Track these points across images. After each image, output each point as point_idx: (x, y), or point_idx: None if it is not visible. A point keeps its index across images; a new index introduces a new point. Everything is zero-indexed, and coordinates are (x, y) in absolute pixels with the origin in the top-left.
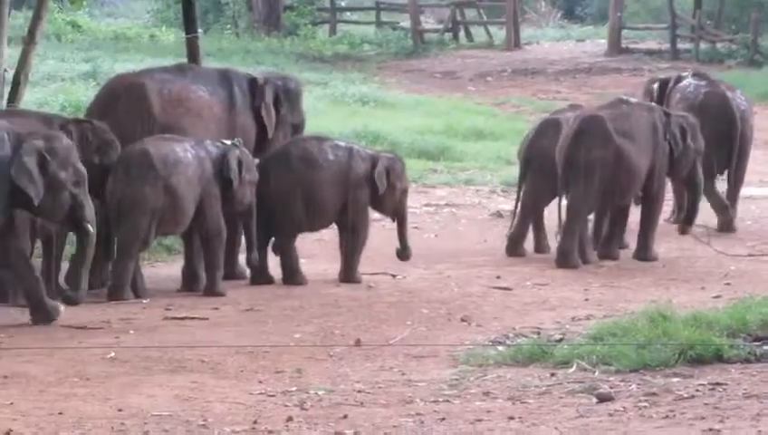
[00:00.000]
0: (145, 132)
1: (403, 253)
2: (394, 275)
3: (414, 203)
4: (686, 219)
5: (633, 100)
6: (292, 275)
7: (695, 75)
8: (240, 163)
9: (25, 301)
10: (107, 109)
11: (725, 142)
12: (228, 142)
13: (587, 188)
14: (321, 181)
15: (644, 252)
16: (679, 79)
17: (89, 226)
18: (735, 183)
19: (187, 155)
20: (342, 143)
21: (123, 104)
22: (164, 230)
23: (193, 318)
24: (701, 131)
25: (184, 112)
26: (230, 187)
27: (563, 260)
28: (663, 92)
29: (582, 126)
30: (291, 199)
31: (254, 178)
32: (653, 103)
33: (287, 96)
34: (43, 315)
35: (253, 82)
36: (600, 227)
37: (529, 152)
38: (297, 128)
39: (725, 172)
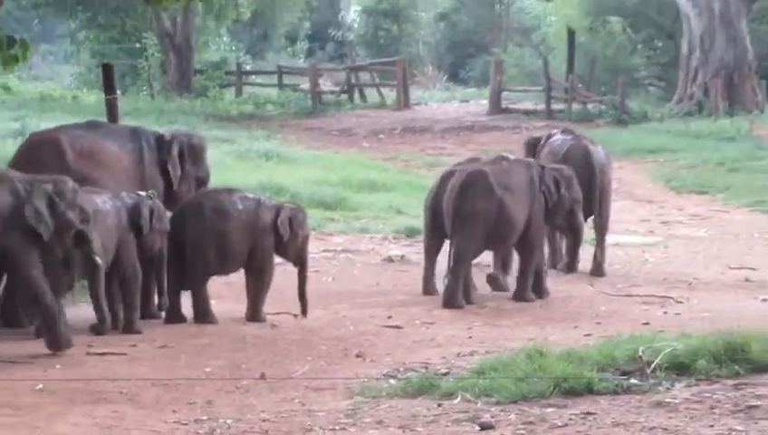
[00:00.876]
0: None
1: (302, 306)
2: (295, 315)
3: (313, 249)
4: (569, 265)
5: (512, 157)
6: (203, 315)
7: (563, 131)
8: (152, 213)
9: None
10: (27, 162)
11: (587, 191)
12: (143, 194)
13: (471, 235)
14: (230, 229)
15: (522, 293)
16: (550, 135)
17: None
18: (600, 229)
19: (105, 205)
20: (250, 195)
21: (40, 157)
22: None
23: (113, 354)
24: None
25: (95, 165)
26: (141, 234)
27: (449, 301)
28: (536, 148)
29: (468, 180)
30: (203, 245)
31: (165, 228)
32: (530, 159)
33: (191, 151)
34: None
35: (160, 138)
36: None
37: (434, 202)
38: (202, 181)
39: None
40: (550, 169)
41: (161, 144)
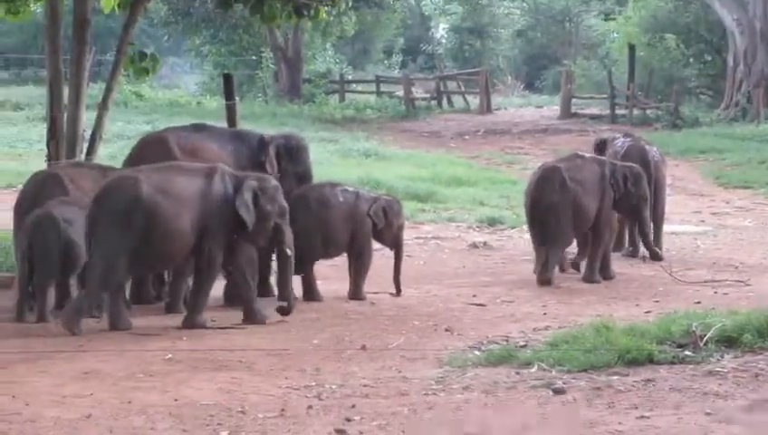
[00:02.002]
0: None
1: (396, 285)
2: (391, 294)
3: (407, 236)
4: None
5: (587, 155)
6: (311, 294)
7: (624, 135)
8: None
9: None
10: (140, 157)
11: None
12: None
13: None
14: (333, 218)
15: (591, 276)
16: (614, 138)
17: (287, 249)
18: (657, 219)
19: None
20: (350, 188)
21: (151, 154)
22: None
23: (233, 327)
24: None
25: (198, 161)
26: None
27: (541, 281)
28: (604, 148)
29: (544, 174)
30: (310, 233)
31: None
32: (602, 157)
33: (288, 151)
34: (258, 319)
35: (262, 139)
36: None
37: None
38: (302, 177)
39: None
40: (621, 167)
41: (262, 145)
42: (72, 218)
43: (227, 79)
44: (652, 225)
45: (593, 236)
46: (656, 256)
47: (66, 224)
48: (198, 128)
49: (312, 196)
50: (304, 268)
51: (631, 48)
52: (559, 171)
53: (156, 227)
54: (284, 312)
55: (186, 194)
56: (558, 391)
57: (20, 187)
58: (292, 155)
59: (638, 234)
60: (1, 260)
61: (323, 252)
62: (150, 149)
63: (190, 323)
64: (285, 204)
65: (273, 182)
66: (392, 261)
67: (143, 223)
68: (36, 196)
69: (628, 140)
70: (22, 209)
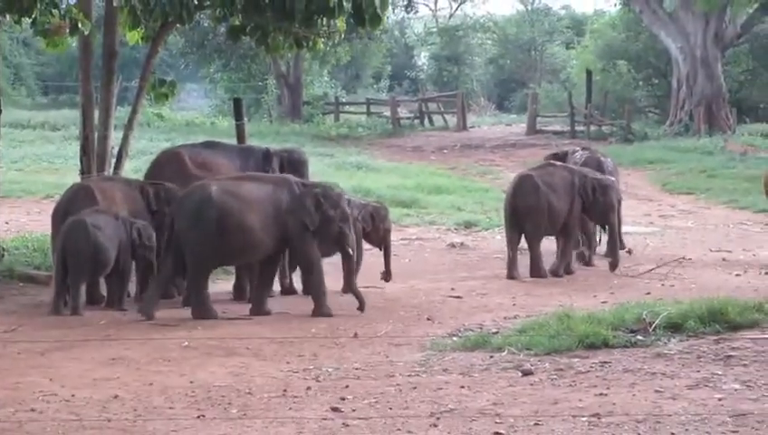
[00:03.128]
0: (184, 186)
1: (386, 274)
2: (380, 287)
3: (394, 238)
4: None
5: (558, 163)
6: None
7: (582, 148)
8: None
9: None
10: (158, 170)
11: None
12: None
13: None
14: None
15: (557, 270)
16: (574, 151)
17: (349, 249)
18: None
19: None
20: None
21: (167, 167)
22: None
23: (241, 318)
24: None
25: (209, 173)
26: None
27: (536, 271)
28: (563, 159)
29: (519, 181)
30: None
31: None
32: (574, 166)
33: (290, 163)
34: (323, 312)
35: (267, 153)
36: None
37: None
38: None
39: None
40: (591, 178)
41: (267, 157)
42: (102, 225)
43: (237, 102)
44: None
45: (564, 235)
46: (614, 263)
47: (96, 229)
48: (209, 144)
49: None
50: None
51: (588, 73)
52: (532, 178)
53: (226, 227)
54: (361, 309)
55: (253, 198)
56: (526, 373)
57: (57, 197)
58: (294, 167)
59: (607, 237)
60: (41, 261)
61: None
62: (166, 163)
63: (257, 311)
64: (347, 210)
65: (337, 190)
66: (380, 259)
67: (214, 222)
68: (69, 205)
69: (586, 152)
70: (57, 217)
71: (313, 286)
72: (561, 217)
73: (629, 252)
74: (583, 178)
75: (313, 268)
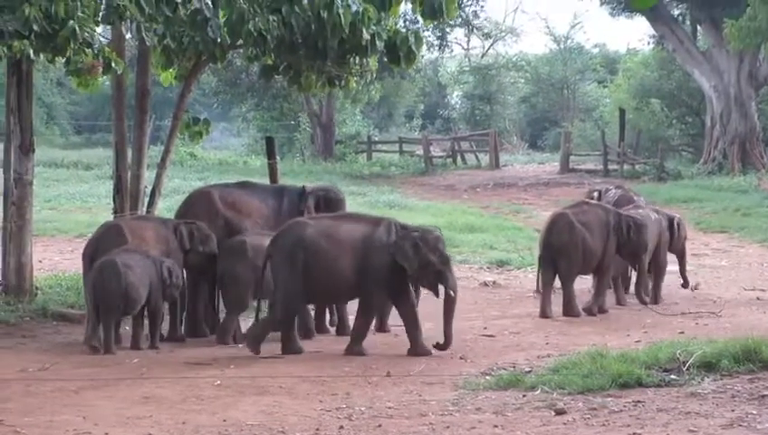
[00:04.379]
0: (213, 226)
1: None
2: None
3: None
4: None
5: (592, 202)
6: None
7: (615, 187)
8: None
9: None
10: (188, 209)
11: None
12: None
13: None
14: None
15: (593, 308)
16: (608, 189)
17: (451, 292)
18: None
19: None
20: None
21: (198, 206)
22: (254, 296)
23: (274, 357)
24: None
25: (238, 213)
26: None
27: (566, 311)
28: (599, 198)
29: (553, 219)
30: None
31: None
32: (608, 205)
33: (326, 202)
34: (422, 351)
35: (302, 191)
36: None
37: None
38: None
39: None
40: (625, 216)
41: (303, 195)
42: (132, 264)
43: (269, 141)
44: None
45: (599, 274)
46: (642, 300)
47: (126, 269)
48: (242, 184)
49: None
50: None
51: (621, 111)
52: (567, 216)
53: (316, 266)
54: (442, 348)
55: (347, 239)
56: (559, 412)
57: (90, 235)
58: (330, 205)
59: (636, 276)
60: (74, 299)
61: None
62: (197, 202)
63: (352, 351)
64: (447, 254)
65: (436, 234)
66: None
67: (305, 261)
68: (99, 244)
69: (619, 190)
70: (87, 255)
71: (408, 325)
72: (595, 255)
73: (695, 288)
74: (618, 216)
75: (374, 310)
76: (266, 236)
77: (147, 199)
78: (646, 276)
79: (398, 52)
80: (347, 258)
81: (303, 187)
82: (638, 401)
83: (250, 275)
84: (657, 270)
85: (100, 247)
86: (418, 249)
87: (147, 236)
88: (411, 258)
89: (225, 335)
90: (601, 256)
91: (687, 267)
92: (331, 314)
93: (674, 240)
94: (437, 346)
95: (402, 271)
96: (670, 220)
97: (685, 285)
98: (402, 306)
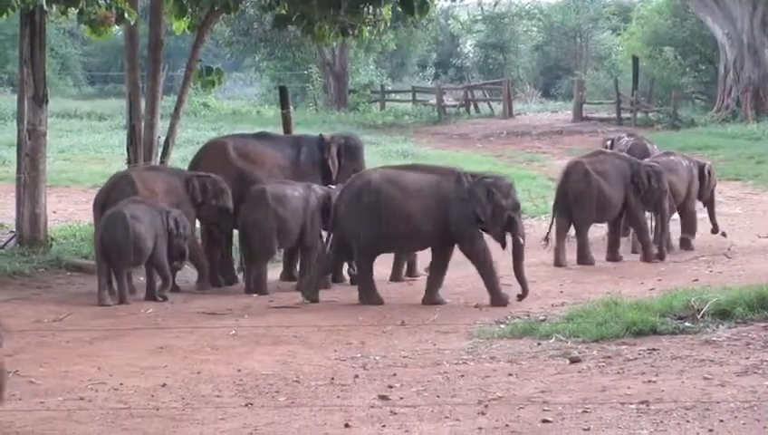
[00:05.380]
0: (226, 176)
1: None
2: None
3: None
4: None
5: (608, 151)
6: (398, 276)
7: (628, 135)
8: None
9: (489, 291)
10: (202, 160)
11: None
12: (333, 187)
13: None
14: None
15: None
16: (620, 137)
17: (520, 238)
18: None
19: (294, 194)
20: None
21: (211, 156)
22: (279, 245)
23: (289, 307)
24: None
25: (252, 163)
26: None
27: (581, 260)
28: (612, 147)
29: (569, 167)
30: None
31: None
32: (626, 154)
33: (348, 149)
34: (500, 300)
35: (321, 139)
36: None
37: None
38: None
39: None
40: (644, 165)
41: (322, 146)
42: (139, 215)
43: (283, 91)
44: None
45: (633, 226)
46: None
47: (134, 220)
48: (259, 135)
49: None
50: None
51: (635, 60)
52: (583, 165)
53: (388, 214)
54: (521, 297)
55: (418, 188)
56: (574, 360)
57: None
58: (351, 153)
59: (656, 223)
60: (88, 250)
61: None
62: (210, 153)
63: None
64: (518, 199)
65: (508, 181)
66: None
67: (378, 210)
68: (109, 194)
69: (632, 138)
70: (98, 206)
71: (486, 275)
72: (611, 204)
73: (724, 234)
74: (637, 165)
75: (484, 258)
76: (286, 185)
77: (160, 150)
78: (668, 224)
79: (412, 1)
80: (418, 207)
81: (321, 135)
82: (653, 349)
83: (272, 222)
84: (688, 218)
85: (111, 198)
86: (492, 195)
87: (157, 188)
88: (485, 204)
89: (262, 284)
90: (620, 204)
91: (701, 215)
92: (350, 265)
93: (703, 188)
94: (519, 297)
95: (475, 218)
96: (701, 167)
97: (714, 230)
98: (475, 256)
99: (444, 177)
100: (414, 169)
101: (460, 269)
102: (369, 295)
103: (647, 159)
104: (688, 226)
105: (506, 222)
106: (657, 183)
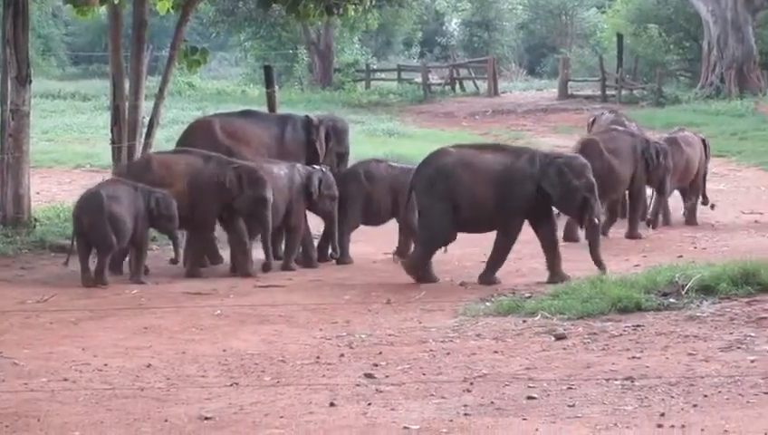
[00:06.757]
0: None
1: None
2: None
3: None
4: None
5: (621, 128)
6: (344, 256)
7: (609, 111)
8: (320, 182)
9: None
10: (189, 139)
11: None
12: (316, 167)
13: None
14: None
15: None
16: (602, 114)
17: (595, 219)
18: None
19: (280, 173)
20: (395, 164)
21: (198, 135)
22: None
23: (274, 286)
24: None
25: (238, 142)
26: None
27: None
28: (594, 123)
29: (581, 145)
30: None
31: (333, 194)
32: (635, 131)
33: (336, 132)
34: (489, 279)
35: (308, 121)
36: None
37: None
38: (341, 156)
39: None
40: (653, 143)
41: (309, 127)
42: (118, 195)
43: (267, 70)
44: None
45: (631, 200)
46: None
47: (111, 200)
48: (245, 114)
49: (361, 170)
50: (345, 233)
51: (619, 37)
52: (596, 143)
53: (460, 195)
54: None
55: (487, 168)
56: (559, 337)
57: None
58: (338, 135)
59: (654, 199)
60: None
61: (367, 220)
62: (197, 132)
63: (486, 281)
64: (593, 180)
65: (581, 160)
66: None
67: (449, 190)
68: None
69: (612, 115)
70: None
71: (497, 252)
72: (619, 182)
73: (713, 207)
74: (646, 142)
75: (507, 240)
76: (275, 165)
77: (145, 130)
78: (667, 199)
79: None
80: (491, 188)
81: (307, 116)
82: (638, 325)
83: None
84: (697, 192)
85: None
86: (564, 175)
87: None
88: (556, 184)
89: (290, 260)
90: (631, 181)
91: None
92: (333, 247)
93: (707, 161)
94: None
95: (547, 199)
96: (703, 141)
97: (705, 202)
98: (546, 237)
99: (519, 157)
100: (492, 149)
101: (443, 249)
102: (426, 276)
103: (663, 135)
104: (703, 196)
105: (581, 203)
106: (665, 160)
